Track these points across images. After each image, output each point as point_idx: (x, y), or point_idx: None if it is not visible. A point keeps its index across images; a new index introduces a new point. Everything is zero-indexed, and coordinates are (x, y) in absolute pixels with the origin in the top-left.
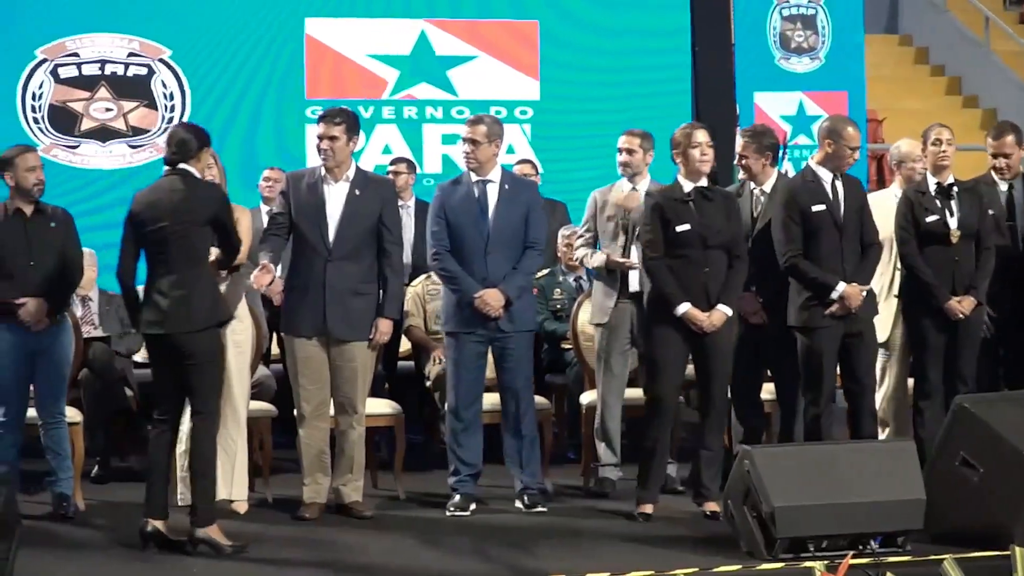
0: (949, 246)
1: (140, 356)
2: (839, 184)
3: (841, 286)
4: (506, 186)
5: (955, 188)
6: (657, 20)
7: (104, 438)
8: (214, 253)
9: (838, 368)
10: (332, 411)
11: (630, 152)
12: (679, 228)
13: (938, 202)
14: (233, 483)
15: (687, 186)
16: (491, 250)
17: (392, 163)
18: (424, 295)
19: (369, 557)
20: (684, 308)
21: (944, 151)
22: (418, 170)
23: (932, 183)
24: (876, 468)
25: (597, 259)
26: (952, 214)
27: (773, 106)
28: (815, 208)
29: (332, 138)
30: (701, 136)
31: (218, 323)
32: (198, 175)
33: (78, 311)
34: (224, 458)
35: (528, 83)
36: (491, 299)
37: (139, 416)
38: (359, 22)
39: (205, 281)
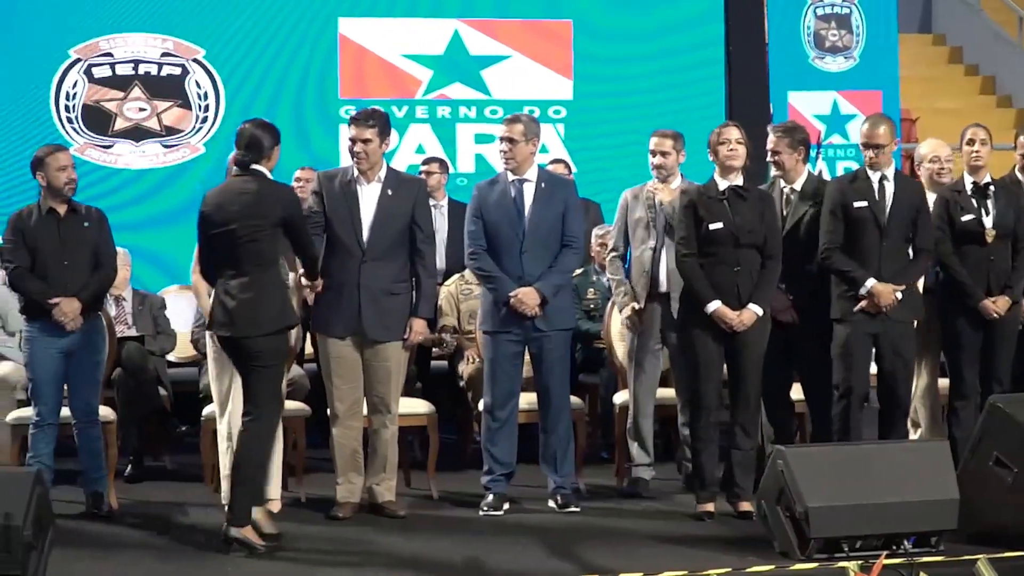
0: (984, 245)
1: (173, 356)
2: (888, 184)
3: (870, 282)
4: (543, 185)
5: (992, 187)
6: (691, 19)
7: (137, 437)
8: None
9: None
10: (365, 411)
11: (664, 154)
12: (712, 226)
13: (974, 201)
14: (270, 483)
15: (722, 184)
16: (527, 249)
17: (424, 163)
18: (458, 295)
19: (402, 556)
20: (714, 306)
21: (977, 151)
22: (451, 170)
23: (968, 182)
24: (909, 468)
25: (625, 311)
26: (987, 213)
27: (807, 105)
28: (856, 204)
29: (365, 140)
30: (730, 133)
31: (285, 327)
32: (269, 175)
33: (112, 311)
34: None
35: (562, 82)
36: (527, 298)
37: (172, 415)
38: (392, 22)
39: (274, 284)
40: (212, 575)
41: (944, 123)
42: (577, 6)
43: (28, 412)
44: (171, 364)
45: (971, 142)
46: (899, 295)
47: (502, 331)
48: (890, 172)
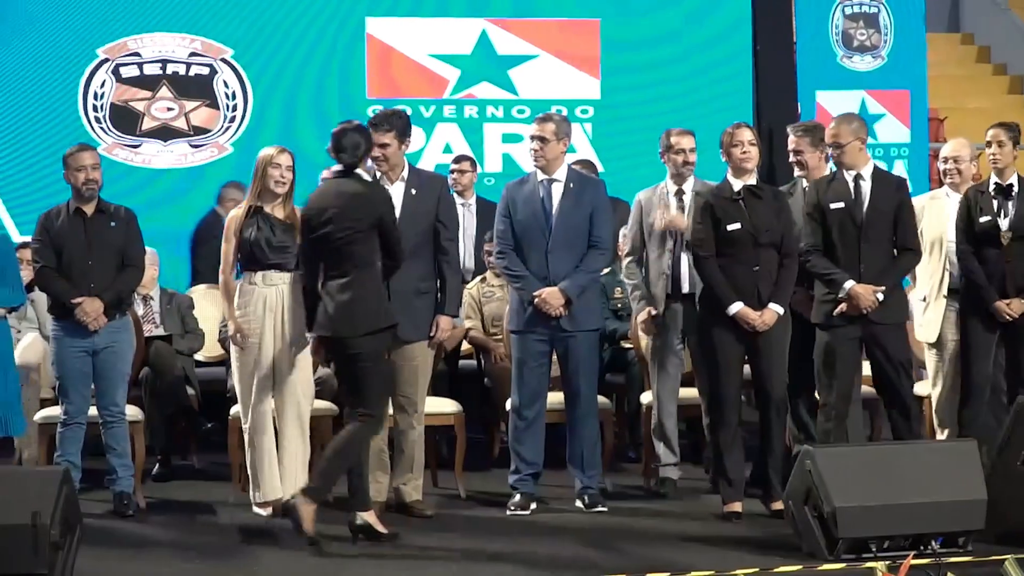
0: (1001, 248)
1: (201, 355)
2: (863, 183)
3: (848, 284)
4: (571, 185)
5: (1015, 188)
6: (718, 18)
7: (165, 436)
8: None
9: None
10: (392, 410)
11: (692, 151)
12: (729, 227)
13: (995, 203)
14: (297, 483)
15: (736, 184)
16: (553, 249)
17: (456, 161)
18: (480, 298)
19: (429, 556)
20: (736, 308)
21: (995, 153)
22: (479, 169)
23: (992, 183)
24: (937, 468)
25: (641, 315)
26: (1006, 215)
27: (835, 104)
28: (833, 206)
29: (383, 145)
30: (743, 135)
31: (382, 328)
32: (367, 176)
33: (139, 310)
34: (285, 457)
35: (589, 82)
36: (551, 298)
37: (200, 414)
38: (420, 21)
39: (372, 285)
40: (239, 574)
41: (972, 122)
42: (605, 5)
43: (56, 411)
44: (199, 363)
45: (989, 144)
46: (880, 296)
47: (529, 331)
48: (867, 171)
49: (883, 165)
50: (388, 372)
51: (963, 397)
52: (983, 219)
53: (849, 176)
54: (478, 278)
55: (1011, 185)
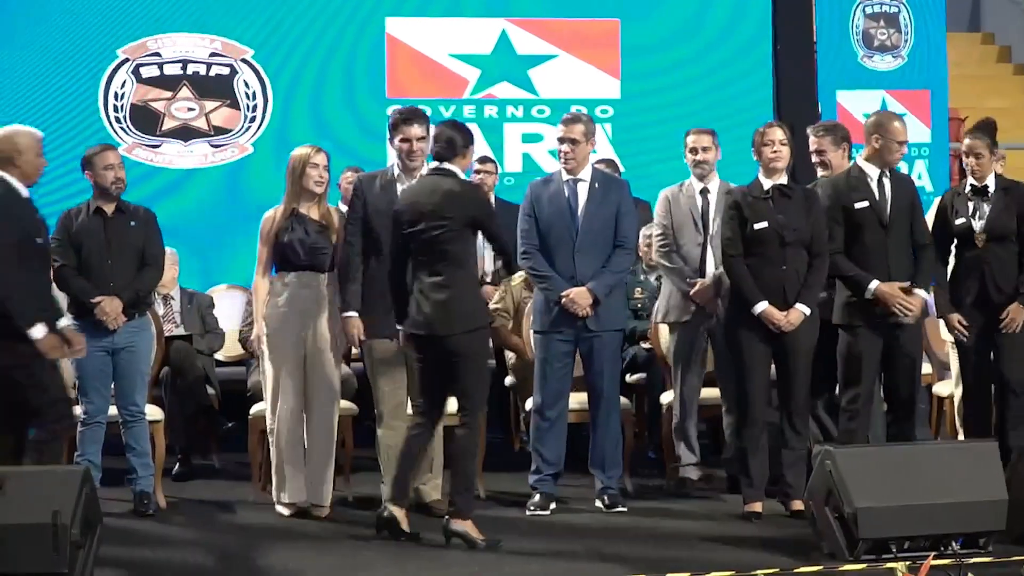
0: (976, 249)
1: (221, 354)
2: (887, 181)
3: (873, 284)
4: (596, 185)
5: (991, 189)
6: (739, 18)
7: (185, 436)
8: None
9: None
10: (410, 411)
11: (704, 150)
12: (757, 226)
13: (971, 205)
14: (318, 487)
15: (766, 184)
16: (579, 249)
17: (481, 162)
18: (519, 298)
19: (449, 555)
20: (762, 307)
21: (973, 164)
22: (499, 170)
23: (969, 185)
24: (958, 469)
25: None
26: (981, 217)
27: (856, 104)
28: (858, 205)
29: (421, 139)
30: (774, 134)
31: (478, 327)
32: (461, 174)
33: (160, 310)
34: (310, 462)
35: (609, 82)
36: (579, 298)
37: (220, 414)
38: (440, 21)
39: (467, 284)
40: (259, 573)
41: None
42: (625, 5)
43: (76, 411)
44: (219, 363)
45: (966, 155)
46: (923, 293)
47: (553, 331)
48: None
49: (903, 165)
50: (487, 370)
51: (966, 399)
52: (958, 221)
53: (873, 174)
54: (520, 276)
55: (987, 186)
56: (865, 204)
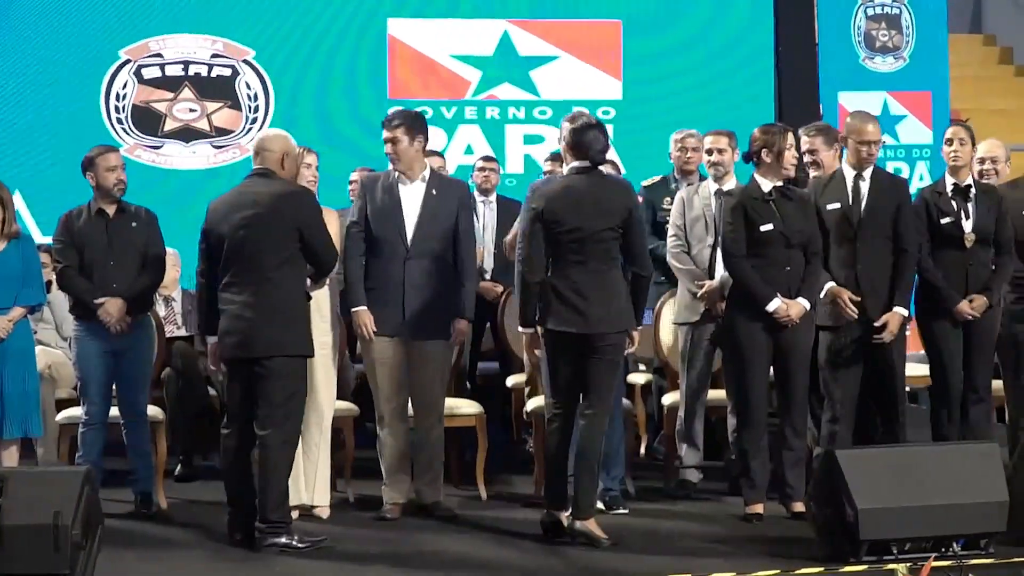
0: (964, 250)
1: None
2: (863, 184)
3: (773, 304)
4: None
5: (972, 190)
6: (740, 19)
7: (187, 437)
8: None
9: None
10: (411, 411)
11: (720, 151)
12: (763, 228)
13: (954, 204)
14: (315, 488)
15: (766, 186)
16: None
17: (485, 159)
18: None
19: (450, 557)
20: (775, 304)
21: (956, 151)
22: (500, 170)
23: (949, 184)
24: (959, 470)
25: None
26: (967, 216)
27: (857, 105)
28: (830, 207)
29: (393, 141)
30: (791, 139)
31: (627, 327)
32: (613, 174)
33: (161, 311)
34: (307, 463)
35: (611, 83)
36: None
37: (222, 415)
38: (442, 23)
39: (621, 282)
40: (261, 575)
41: (994, 124)
42: (626, 6)
43: (77, 412)
44: None
45: (949, 142)
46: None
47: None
48: (867, 171)
49: (905, 166)
50: (621, 368)
51: (940, 404)
52: (945, 220)
53: (850, 176)
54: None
55: (969, 186)
56: (836, 206)
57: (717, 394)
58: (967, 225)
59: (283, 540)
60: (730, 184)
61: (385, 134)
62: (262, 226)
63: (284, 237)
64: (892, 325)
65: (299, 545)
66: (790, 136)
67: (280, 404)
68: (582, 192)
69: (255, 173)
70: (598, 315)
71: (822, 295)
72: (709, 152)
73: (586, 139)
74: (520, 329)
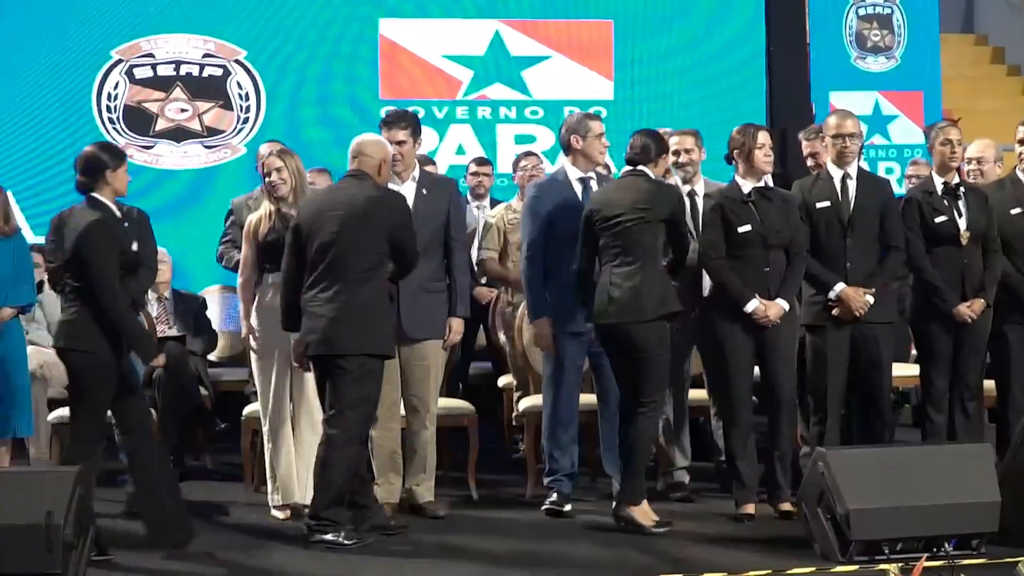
0: (959, 248)
1: (214, 355)
2: (851, 182)
3: (839, 287)
4: (603, 184)
5: (961, 189)
6: (732, 20)
7: (178, 437)
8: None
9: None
10: (403, 411)
11: (687, 151)
12: (741, 229)
13: (945, 202)
14: (308, 487)
15: (746, 186)
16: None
17: (480, 163)
18: (504, 225)
19: (442, 557)
20: (753, 305)
21: (955, 152)
22: (493, 174)
23: (939, 183)
24: (951, 470)
25: None
26: (960, 215)
27: (848, 105)
28: (819, 205)
29: (400, 142)
30: (764, 137)
31: (668, 314)
32: (654, 177)
33: (152, 310)
34: (299, 462)
35: (602, 83)
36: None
37: (213, 415)
38: (433, 23)
39: (658, 274)
40: (253, 574)
41: (986, 124)
42: (618, 6)
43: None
44: (211, 363)
45: (948, 142)
46: (871, 298)
47: (570, 332)
48: (852, 170)
49: (896, 166)
50: (668, 360)
51: (930, 403)
52: (939, 219)
53: (837, 175)
54: (502, 205)
55: (958, 184)
56: (826, 204)
57: (699, 394)
58: (962, 223)
59: (330, 537)
60: (699, 185)
61: (393, 135)
62: (353, 228)
63: (374, 240)
64: (853, 304)
65: (346, 542)
66: (761, 135)
67: (352, 405)
68: (625, 190)
69: (350, 175)
70: (627, 305)
71: (832, 295)
72: (676, 153)
73: (634, 145)
74: (528, 323)
